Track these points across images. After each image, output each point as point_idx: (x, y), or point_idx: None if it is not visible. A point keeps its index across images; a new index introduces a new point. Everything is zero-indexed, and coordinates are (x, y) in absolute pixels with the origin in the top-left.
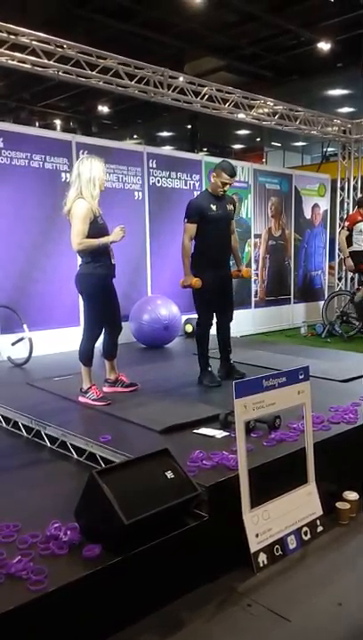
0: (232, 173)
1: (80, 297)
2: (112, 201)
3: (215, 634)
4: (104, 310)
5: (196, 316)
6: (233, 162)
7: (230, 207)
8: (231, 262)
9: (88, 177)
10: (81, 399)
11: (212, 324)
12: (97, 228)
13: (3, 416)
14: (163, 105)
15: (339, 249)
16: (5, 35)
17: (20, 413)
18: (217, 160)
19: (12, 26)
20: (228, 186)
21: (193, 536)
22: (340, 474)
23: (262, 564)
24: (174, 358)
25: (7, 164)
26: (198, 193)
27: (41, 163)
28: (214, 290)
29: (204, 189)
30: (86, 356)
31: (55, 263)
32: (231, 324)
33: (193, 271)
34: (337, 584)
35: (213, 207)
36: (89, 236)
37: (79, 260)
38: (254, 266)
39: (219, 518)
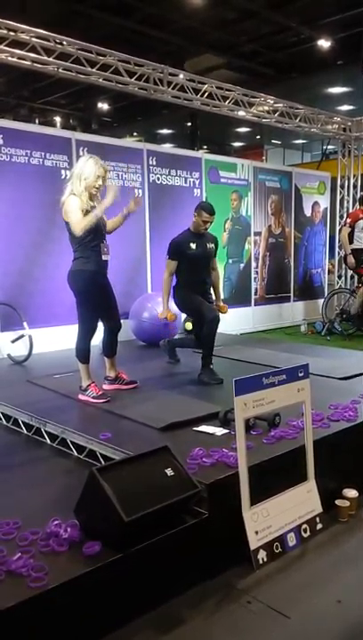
0: (211, 212)
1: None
2: None
3: (215, 631)
4: (96, 307)
5: None
6: (233, 159)
7: (211, 245)
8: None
9: (78, 172)
10: (81, 397)
11: (219, 319)
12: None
13: (3, 413)
14: (163, 102)
15: (339, 246)
16: (5, 31)
17: (20, 411)
18: (217, 158)
19: (11, 22)
20: (209, 224)
21: (193, 533)
22: (339, 471)
23: (261, 562)
24: None
25: (7, 161)
26: (198, 190)
27: (41, 160)
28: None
29: (186, 229)
30: (82, 353)
31: (55, 260)
32: (231, 324)
33: (179, 295)
34: (337, 581)
35: (193, 246)
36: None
37: None
38: (253, 264)
39: (219, 516)
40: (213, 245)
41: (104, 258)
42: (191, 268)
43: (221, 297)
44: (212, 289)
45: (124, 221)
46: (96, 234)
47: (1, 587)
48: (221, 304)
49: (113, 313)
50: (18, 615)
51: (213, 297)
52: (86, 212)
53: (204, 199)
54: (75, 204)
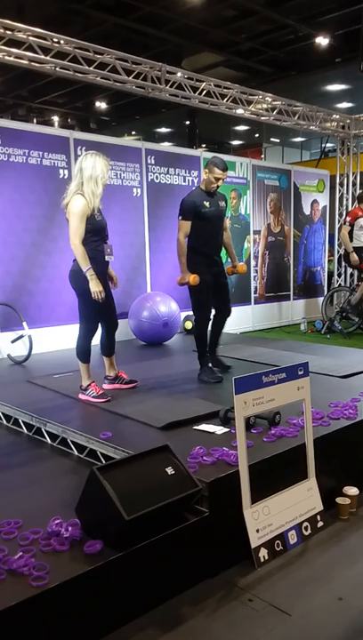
0: (224, 167)
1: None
2: (111, 197)
3: (216, 629)
4: (98, 307)
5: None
6: (232, 158)
7: (223, 204)
8: (226, 259)
9: (90, 174)
10: (81, 396)
11: (210, 321)
12: (94, 224)
13: (3, 413)
14: (161, 101)
15: (338, 244)
16: (2, 30)
17: (20, 411)
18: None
19: (8, 21)
20: (221, 181)
21: (194, 532)
22: (340, 469)
23: (262, 559)
24: (174, 355)
25: (5, 160)
26: (192, 191)
27: (39, 159)
28: (210, 287)
29: (196, 187)
30: (83, 352)
31: (55, 260)
32: (231, 323)
33: (189, 268)
34: (338, 579)
35: (207, 204)
36: (86, 230)
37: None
38: (253, 262)
39: (219, 514)
40: (224, 204)
41: (107, 259)
42: (206, 228)
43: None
44: (225, 250)
45: None
46: (97, 234)
47: (2, 586)
48: (239, 263)
49: (111, 312)
50: (19, 614)
51: (222, 261)
52: (92, 215)
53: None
54: (79, 206)
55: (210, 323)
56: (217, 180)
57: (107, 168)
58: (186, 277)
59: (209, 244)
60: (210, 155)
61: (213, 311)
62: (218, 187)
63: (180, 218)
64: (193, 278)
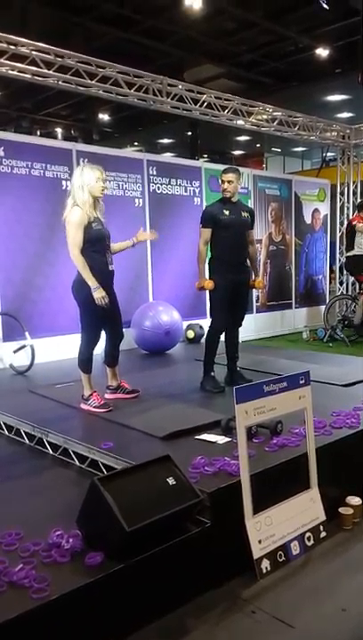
0: (225, 170)
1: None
2: (113, 208)
3: None
4: (99, 317)
5: (197, 321)
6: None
7: (246, 214)
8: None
9: (79, 184)
10: (83, 406)
11: (223, 330)
12: (91, 233)
13: (5, 424)
14: (163, 112)
15: (340, 252)
16: (5, 45)
17: (22, 421)
18: (217, 166)
19: (12, 36)
20: (226, 184)
21: (196, 542)
22: (343, 479)
23: (265, 570)
24: (176, 364)
25: (8, 172)
26: (198, 199)
27: (42, 171)
28: (230, 294)
29: (220, 198)
30: (85, 362)
31: (57, 270)
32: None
33: (209, 275)
34: (341, 590)
35: (226, 212)
36: (84, 240)
37: None
38: None
39: (221, 524)
40: (247, 215)
41: (110, 268)
42: (225, 236)
43: (259, 273)
44: (250, 263)
45: (129, 248)
46: (96, 244)
47: (3, 598)
48: (258, 279)
49: (116, 323)
50: (20, 627)
51: (250, 271)
52: (88, 224)
53: (204, 208)
54: (76, 218)
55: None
56: (223, 182)
57: (96, 176)
58: (202, 282)
59: (230, 251)
60: (211, 165)
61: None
62: (229, 192)
63: (200, 225)
64: (207, 283)
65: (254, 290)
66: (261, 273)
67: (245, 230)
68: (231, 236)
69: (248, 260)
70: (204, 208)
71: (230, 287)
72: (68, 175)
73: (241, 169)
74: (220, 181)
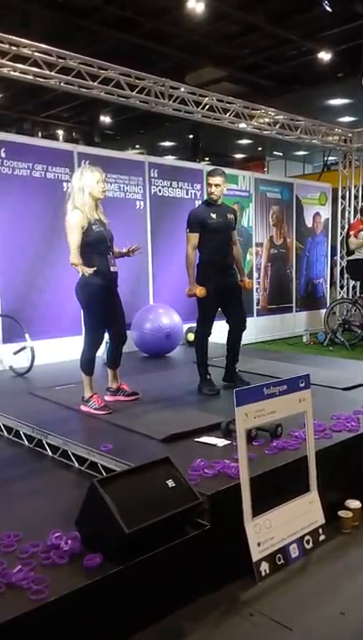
0: (212, 173)
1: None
2: (114, 210)
3: None
4: (103, 320)
5: None
6: (234, 171)
7: (231, 216)
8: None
9: (79, 186)
10: (83, 408)
11: (210, 334)
12: (92, 235)
13: (4, 425)
14: (165, 115)
15: (341, 257)
16: (7, 46)
17: (21, 422)
18: None
19: (13, 37)
20: (214, 187)
21: (195, 545)
22: (342, 482)
23: (264, 573)
24: (176, 367)
25: (9, 174)
26: (200, 202)
27: (43, 173)
28: (218, 300)
29: (204, 200)
30: (87, 365)
31: (58, 272)
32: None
33: (198, 280)
34: (340, 593)
35: (213, 216)
36: (83, 243)
37: None
38: (255, 274)
39: (220, 527)
40: (232, 216)
41: (113, 269)
42: (214, 239)
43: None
44: (234, 264)
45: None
46: (97, 246)
47: (1, 599)
48: (246, 279)
49: (119, 326)
50: (18, 628)
51: (237, 273)
52: (89, 226)
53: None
54: (75, 220)
55: (225, 337)
56: (210, 186)
57: (96, 178)
58: (193, 289)
59: (219, 255)
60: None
61: (227, 326)
62: (215, 194)
63: (187, 230)
64: (200, 290)
65: (253, 290)
66: (261, 276)
67: (230, 233)
68: (218, 239)
69: (234, 262)
70: (189, 213)
71: (219, 292)
72: (69, 177)
73: (242, 172)
74: (208, 185)
